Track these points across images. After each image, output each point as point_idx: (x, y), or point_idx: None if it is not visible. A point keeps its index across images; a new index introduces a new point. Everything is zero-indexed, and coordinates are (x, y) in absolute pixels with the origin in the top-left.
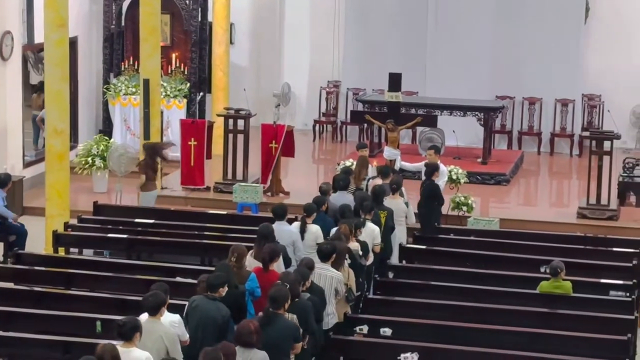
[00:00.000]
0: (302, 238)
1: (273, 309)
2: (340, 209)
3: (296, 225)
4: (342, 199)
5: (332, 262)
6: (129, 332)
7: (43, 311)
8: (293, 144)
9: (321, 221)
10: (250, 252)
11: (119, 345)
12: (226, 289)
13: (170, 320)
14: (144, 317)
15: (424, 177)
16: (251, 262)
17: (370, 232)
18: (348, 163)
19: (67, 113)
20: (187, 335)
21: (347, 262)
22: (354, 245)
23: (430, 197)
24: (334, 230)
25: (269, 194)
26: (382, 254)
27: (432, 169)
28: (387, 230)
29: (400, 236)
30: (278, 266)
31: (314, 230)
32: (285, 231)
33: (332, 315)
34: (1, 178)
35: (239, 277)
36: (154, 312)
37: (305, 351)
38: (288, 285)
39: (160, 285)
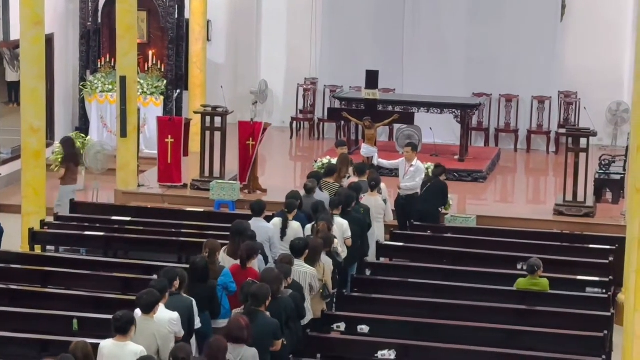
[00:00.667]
0: (284, 234)
1: (254, 307)
2: (314, 205)
3: (276, 221)
4: (317, 195)
5: (305, 258)
6: (125, 326)
7: (19, 309)
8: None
9: (295, 218)
10: (224, 248)
11: (114, 339)
12: (179, 281)
13: (169, 317)
14: (137, 313)
15: (403, 175)
16: (225, 259)
17: (340, 226)
18: (325, 160)
19: (44, 110)
20: (183, 332)
21: (328, 259)
22: (334, 242)
23: (437, 195)
24: (308, 226)
25: (246, 191)
26: (360, 251)
27: (441, 170)
28: (365, 227)
29: (378, 233)
30: (254, 264)
31: (295, 227)
32: (262, 227)
33: (307, 311)
34: None
35: (212, 272)
36: (148, 310)
37: (284, 347)
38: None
39: (159, 282)
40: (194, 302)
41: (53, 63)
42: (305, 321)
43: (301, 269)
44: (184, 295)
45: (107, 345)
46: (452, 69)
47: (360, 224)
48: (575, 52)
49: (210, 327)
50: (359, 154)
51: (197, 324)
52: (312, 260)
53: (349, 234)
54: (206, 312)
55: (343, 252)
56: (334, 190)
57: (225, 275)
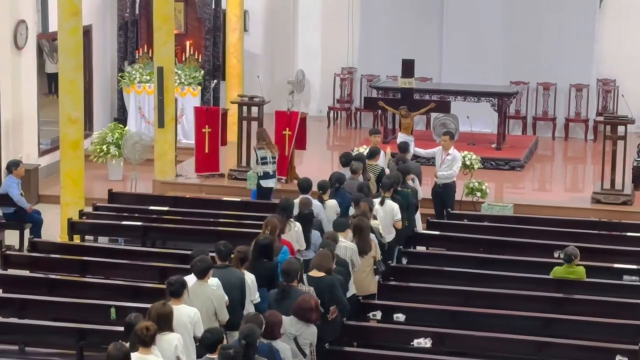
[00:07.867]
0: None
1: (287, 282)
2: (359, 186)
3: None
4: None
5: (354, 237)
6: (179, 289)
7: (58, 298)
8: (305, 134)
9: (340, 198)
10: None
11: (169, 302)
12: (238, 257)
13: (210, 283)
14: (191, 280)
15: (440, 163)
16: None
17: (390, 209)
18: (362, 149)
19: (81, 101)
20: (227, 297)
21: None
22: (374, 222)
23: None
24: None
25: (283, 180)
26: (406, 231)
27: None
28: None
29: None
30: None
31: (333, 204)
32: None
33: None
34: (10, 163)
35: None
36: (202, 275)
37: (335, 322)
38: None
39: (201, 251)
40: (252, 278)
41: (91, 54)
42: (348, 295)
43: (342, 244)
44: (236, 269)
45: None
46: (489, 57)
47: (408, 204)
48: (614, 39)
49: (266, 302)
50: (396, 142)
51: (257, 299)
52: (365, 240)
53: (399, 216)
54: (264, 288)
55: (390, 235)
56: (377, 171)
57: (285, 252)
